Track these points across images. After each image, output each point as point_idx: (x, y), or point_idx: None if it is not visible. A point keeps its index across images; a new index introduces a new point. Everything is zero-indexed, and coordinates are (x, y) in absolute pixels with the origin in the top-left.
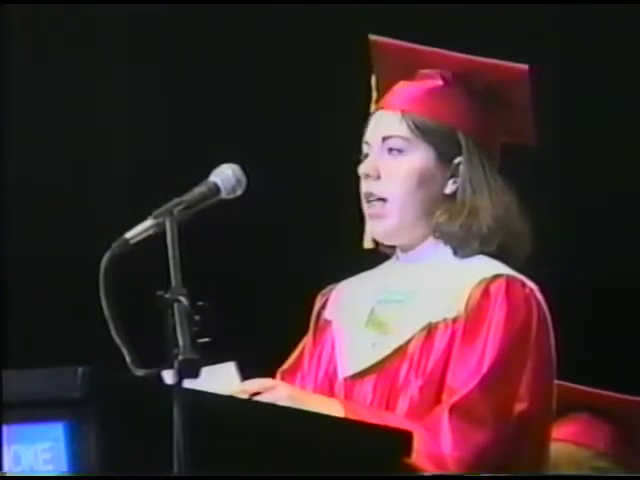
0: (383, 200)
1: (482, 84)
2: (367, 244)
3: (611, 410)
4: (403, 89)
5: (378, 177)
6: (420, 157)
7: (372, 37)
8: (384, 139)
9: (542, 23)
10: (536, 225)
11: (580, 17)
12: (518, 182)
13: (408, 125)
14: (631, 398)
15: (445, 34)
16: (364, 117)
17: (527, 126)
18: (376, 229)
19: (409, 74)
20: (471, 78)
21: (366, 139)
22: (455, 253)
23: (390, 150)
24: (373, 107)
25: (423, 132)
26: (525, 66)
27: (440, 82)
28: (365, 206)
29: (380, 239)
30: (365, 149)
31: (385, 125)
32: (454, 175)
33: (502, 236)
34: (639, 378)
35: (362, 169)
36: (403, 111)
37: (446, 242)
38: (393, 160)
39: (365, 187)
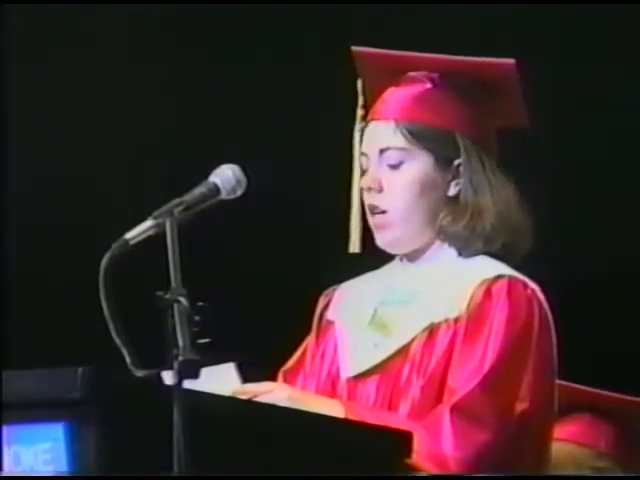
0: (386, 212)
1: (470, 82)
2: (353, 248)
3: (612, 410)
4: (393, 97)
5: (380, 190)
6: (419, 165)
7: (355, 48)
8: (381, 151)
9: (540, 18)
10: (537, 222)
11: (578, 11)
12: (518, 178)
13: (403, 134)
14: (632, 398)
15: (445, 34)
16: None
17: (521, 115)
18: (381, 240)
19: (396, 79)
20: (458, 78)
21: (363, 151)
22: (459, 253)
23: (389, 162)
24: (360, 112)
25: (419, 139)
26: (512, 60)
27: (428, 85)
28: (369, 218)
29: (386, 249)
30: (363, 162)
31: (381, 137)
32: (455, 177)
33: (505, 234)
34: None
35: (364, 183)
36: (396, 120)
37: (450, 244)
38: (393, 171)
39: (369, 200)
